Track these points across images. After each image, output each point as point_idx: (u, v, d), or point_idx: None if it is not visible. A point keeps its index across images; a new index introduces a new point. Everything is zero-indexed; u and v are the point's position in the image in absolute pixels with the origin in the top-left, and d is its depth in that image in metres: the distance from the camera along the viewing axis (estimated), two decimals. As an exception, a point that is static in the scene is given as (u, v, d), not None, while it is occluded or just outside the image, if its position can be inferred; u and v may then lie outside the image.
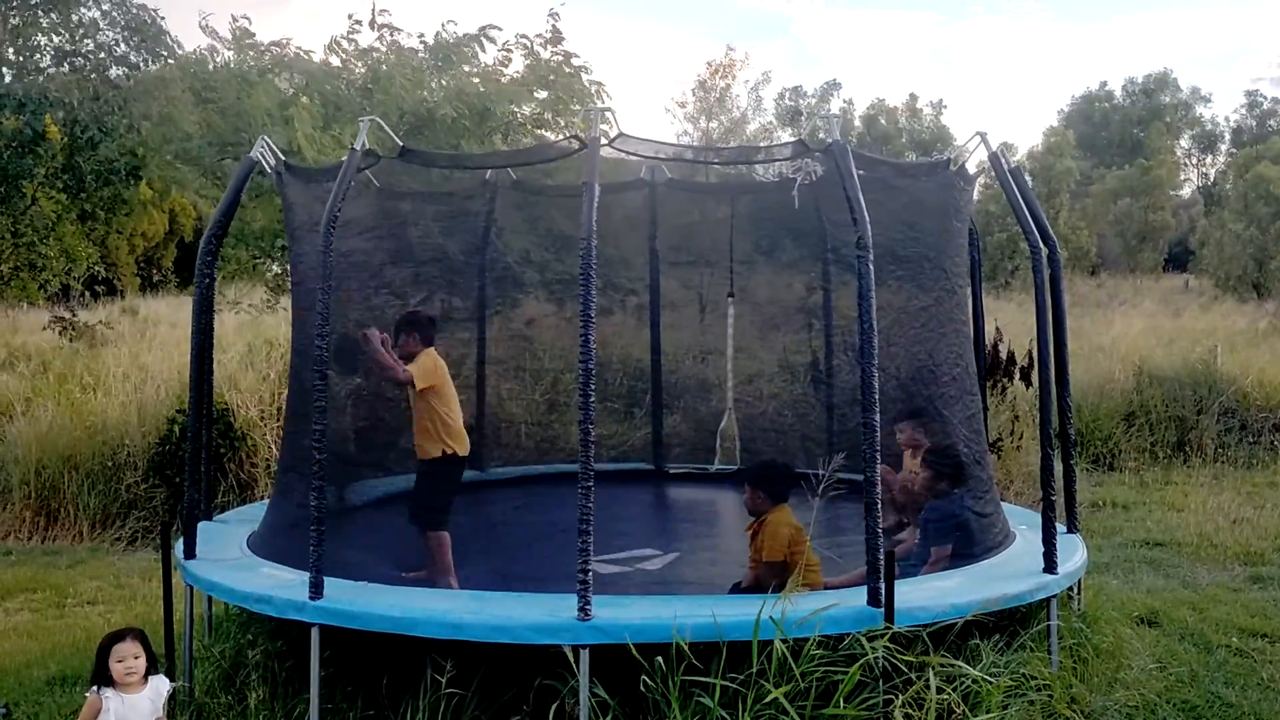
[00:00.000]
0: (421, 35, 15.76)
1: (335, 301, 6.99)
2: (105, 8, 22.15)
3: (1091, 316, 24.66)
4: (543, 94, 15.68)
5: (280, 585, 6.73)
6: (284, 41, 15.68)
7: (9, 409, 15.05)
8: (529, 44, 15.69)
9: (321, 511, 6.35)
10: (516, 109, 15.24)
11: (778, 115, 67.51)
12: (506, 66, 15.73)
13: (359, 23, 15.46)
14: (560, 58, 15.59)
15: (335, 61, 15.42)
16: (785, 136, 61.03)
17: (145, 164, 18.94)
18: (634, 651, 5.70)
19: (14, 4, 21.35)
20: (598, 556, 6.16)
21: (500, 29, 15.67)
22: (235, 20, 15.74)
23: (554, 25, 15.66)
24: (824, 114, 57.01)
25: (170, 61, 19.94)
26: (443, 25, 15.94)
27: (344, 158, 7.01)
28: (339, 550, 6.75)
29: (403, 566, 7.38)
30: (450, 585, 7.73)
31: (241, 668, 6.94)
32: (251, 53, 15.53)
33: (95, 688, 5.43)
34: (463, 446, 8.22)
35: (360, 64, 15.28)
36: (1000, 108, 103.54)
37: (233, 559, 7.59)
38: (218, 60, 16.10)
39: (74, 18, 21.68)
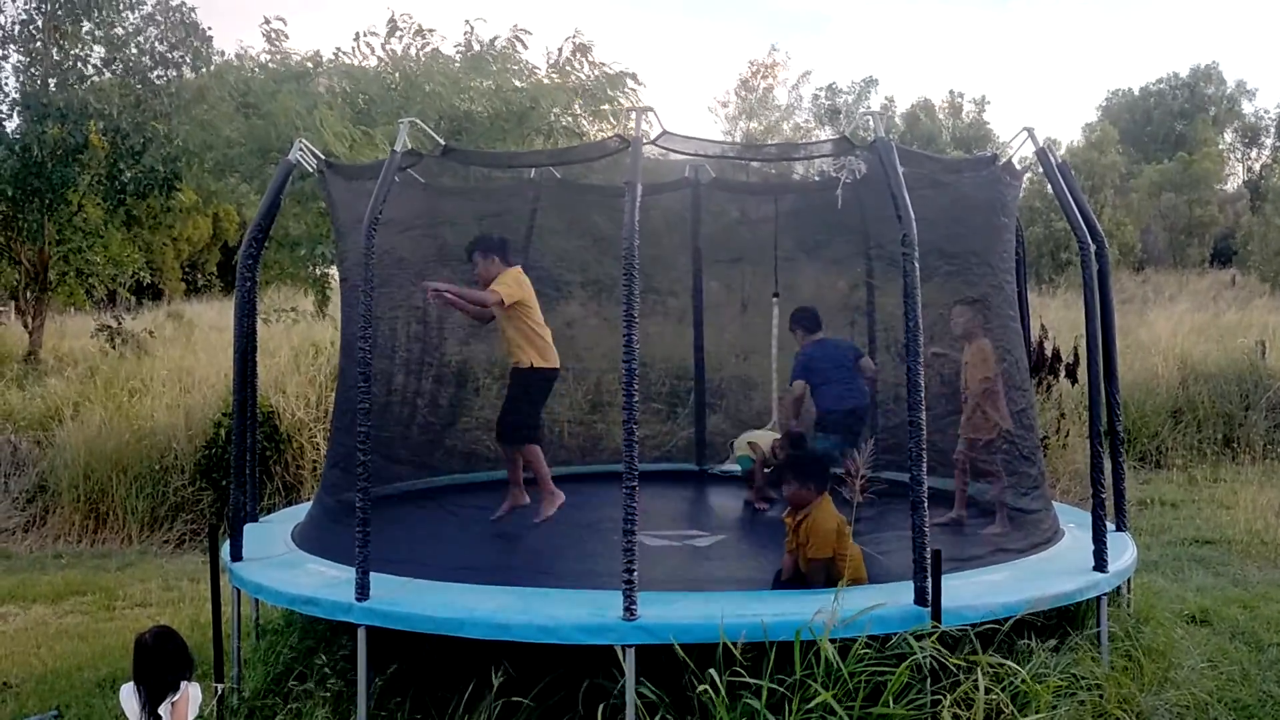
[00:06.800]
0: (458, 45, 15.84)
1: (379, 300, 7.03)
2: (147, 10, 22.37)
3: (1137, 313, 24.41)
4: (579, 101, 15.70)
5: (326, 585, 6.76)
6: (317, 53, 15.83)
7: (58, 413, 15.20)
8: (557, 57, 15.75)
9: (367, 513, 6.38)
10: (558, 111, 15.24)
11: (815, 114, 67.39)
12: (538, 74, 15.77)
13: (397, 27, 15.53)
14: (589, 67, 15.63)
15: (372, 63, 15.49)
16: (822, 135, 60.85)
17: (185, 171, 19.10)
18: (680, 652, 5.69)
19: (59, 3, 21.60)
20: (646, 531, 6.15)
21: (530, 33, 15.74)
22: (268, 22, 15.87)
23: (578, 42, 15.70)
24: (866, 111, 56.94)
25: (217, 60, 20.10)
26: (470, 23, 16.01)
27: (380, 157, 7.03)
28: (387, 546, 6.77)
29: (456, 565, 7.37)
30: (554, 495, 8.38)
31: (293, 670, 6.98)
32: (296, 57, 15.62)
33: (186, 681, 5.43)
34: (553, 359, 8.62)
35: (395, 70, 15.34)
36: (1039, 104, 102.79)
37: (279, 555, 7.67)
38: (253, 65, 16.24)
39: (116, 27, 21.91)
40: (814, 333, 9.64)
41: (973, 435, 8.33)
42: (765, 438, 10.07)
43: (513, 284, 8.41)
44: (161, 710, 5.30)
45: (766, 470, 9.64)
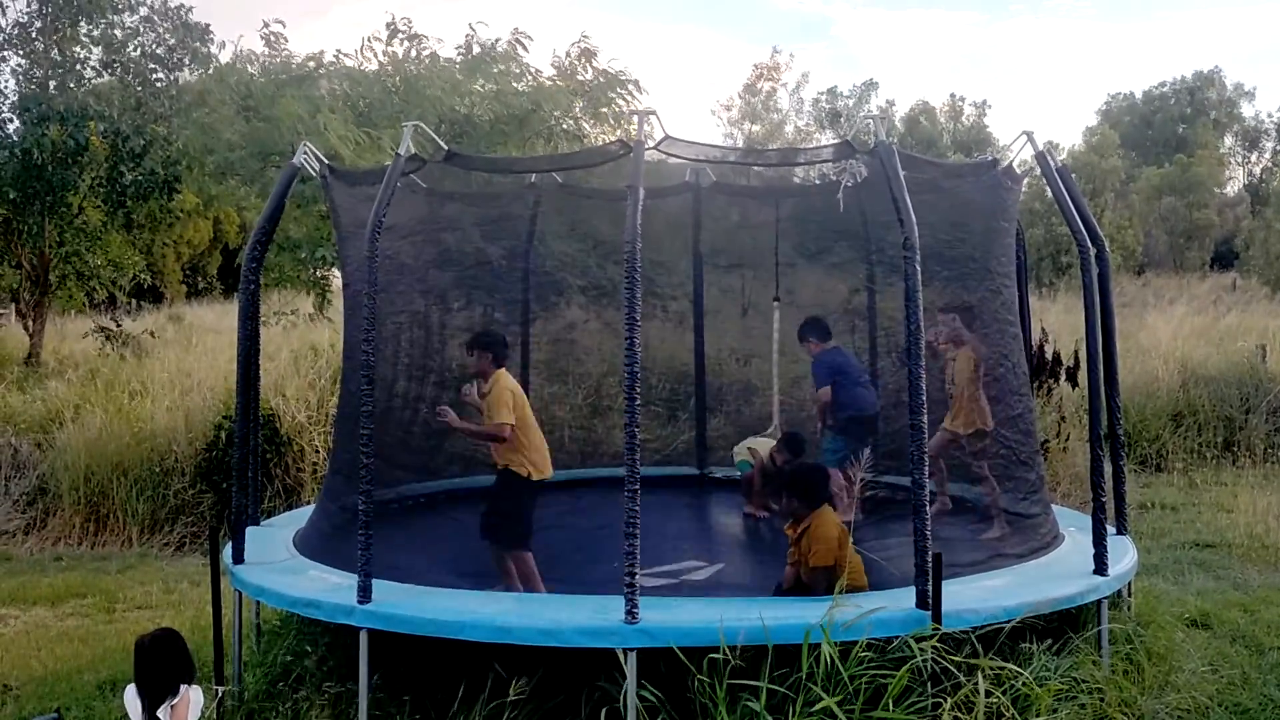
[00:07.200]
0: (459, 47, 15.86)
1: (381, 304, 7.03)
2: (144, 12, 22.37)
3: (1138, 316, 24.39)
4: (580, 103, 15.74)
5: (328, 589, 6.77)
6: (319, 54, 15.87)
7: (58, 416, 15.17)
8: (562, 62, 15.77)
9: (370, 516, 6.38)
10: (559, 114, 15.27)
11: (815, 118, 67.46)
12: (540, 77, 15.80)
13: (397, 31, 15.55)
14: (594, 72, 15.66)
15: (373, 66, 15.52)
16: (823, 139, 60.91)
17: (186, 174, 19.10)
18: (680, 655, 5.69)
19: (57, 5, 21.58)
20: (644, 569, 6.09)
21: (531, 38, 15.75)
22: (266, 25, 15.89)
23: (584, 47, 15.71)
24: (868, 114, 57.02)
25: (216, 64, 20.12)
26: (471, 27, 16.02)
27: (383, 160, 7.04)
28: (388, 552, 6.77)
29: (456, 570, 7.35)
30: None
31: (292, 673, 6.97)
32: (296, 61, 15.66)
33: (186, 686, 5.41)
34: (547, 469, 7.80)
35: (396, 74, 15.36)
36: (1039, 107, 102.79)
37: (280, 560, 7.67)
38: (254, 68, 16.28)
39: (115, 29, 21.89)
40: (826, 341, 9.66)
41: (957, 431, 8.45)
42: (765, 445, 10.08)
43: (506, 400, 7.63)
44: (160, 713, 5.29)
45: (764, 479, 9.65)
